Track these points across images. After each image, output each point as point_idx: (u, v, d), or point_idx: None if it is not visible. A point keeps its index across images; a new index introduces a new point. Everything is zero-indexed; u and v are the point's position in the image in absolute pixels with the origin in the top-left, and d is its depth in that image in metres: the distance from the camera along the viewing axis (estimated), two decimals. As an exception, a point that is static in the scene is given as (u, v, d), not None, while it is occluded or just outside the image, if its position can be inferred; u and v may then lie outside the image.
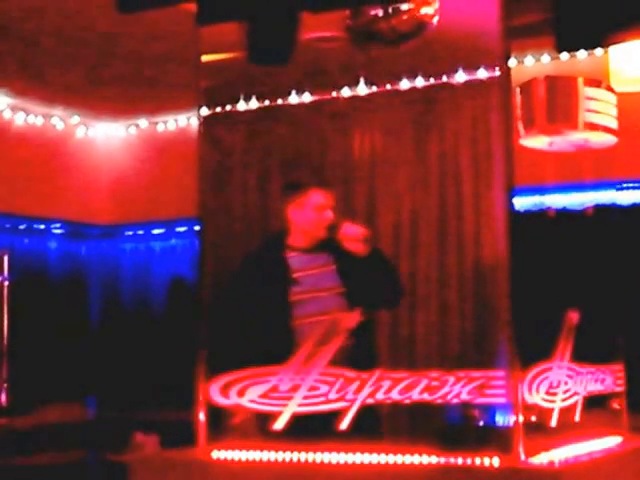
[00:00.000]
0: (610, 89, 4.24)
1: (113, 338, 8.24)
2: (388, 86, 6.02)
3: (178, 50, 5.96)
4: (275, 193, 5.92)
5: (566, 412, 3.84)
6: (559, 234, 5.58)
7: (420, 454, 3.20)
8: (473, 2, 3.80)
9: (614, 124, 4.22)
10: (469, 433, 3.40)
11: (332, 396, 3.41)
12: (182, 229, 8.13)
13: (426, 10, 3.96)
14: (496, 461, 3.10)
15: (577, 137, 4.25)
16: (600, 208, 6.04)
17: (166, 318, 8.09)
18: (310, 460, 3.33)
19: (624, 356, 4.20)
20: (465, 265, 6.08)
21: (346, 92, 5.97)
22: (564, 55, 6.00)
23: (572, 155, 4.50)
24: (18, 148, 7.65)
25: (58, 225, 8.13)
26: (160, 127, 8.17)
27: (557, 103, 4.14)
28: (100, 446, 6.95)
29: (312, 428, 3.38)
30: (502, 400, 3.22)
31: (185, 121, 7.99)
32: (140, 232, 8.36)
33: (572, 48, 3.62)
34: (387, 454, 3.23)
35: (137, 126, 8.28)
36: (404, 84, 6.01)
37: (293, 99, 6.02)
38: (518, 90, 4.16)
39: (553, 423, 3.75)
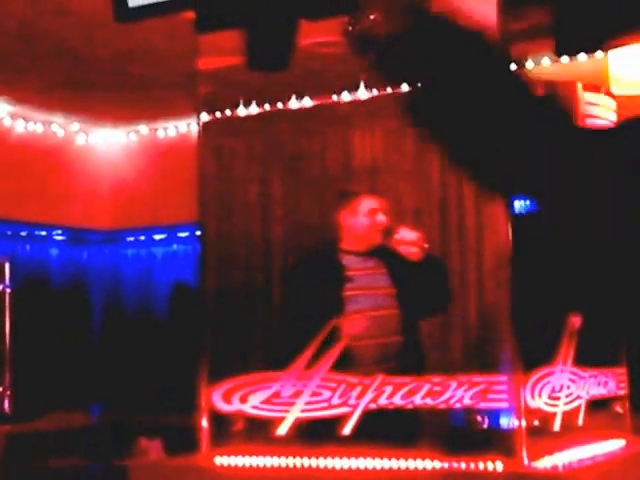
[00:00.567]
0: (609, 94, 4.25)
1: (116, 344, 8.24)
2: (389, 90, 6.02)
3: (177, 55, 5.96)
4: (276, 197, 5.93)
5: (569, 416, 3.84)
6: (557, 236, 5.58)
7: (423, 459, 3.20)
8: (472, 6, 3.79)
9: (613, 129, 4.22)
10: (472, 438, 3.40)
11: (335, 401, 3.41)
12: (183, 234, 8.13)
13: (425, 15, 3.95)
14: (500, 465, 3.10)
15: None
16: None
17: (168, 323, 8.09)
18: (314, 465, 3.33)
19: (627, 359, 4.19)
20: (467, 268, 6.08)
21: (346, 96, 5.97)
22: (564, 59, 6.00)
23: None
24: (19, 155, 7.66)
25: (59, 231, 8.13)
26: (160, 133, 8.18)
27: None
28: (104, 452, 6.95)
29: (318, 433, 3.39)
30: (505, 404, 3.23)
31: (185, 127, 8.00)
32: (141, 238, 8.36)
33: (572, 52, 3.63)
34: (390, 459, 3.24)
35: (137, 132, 8.29)
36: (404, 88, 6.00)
37: (293, 104, 6.03)
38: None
39: (556, 427, 3.75)
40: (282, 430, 3.44)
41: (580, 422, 3.89)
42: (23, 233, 7.86)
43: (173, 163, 7.90)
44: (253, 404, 3.49)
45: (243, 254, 5.87)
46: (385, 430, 3.42)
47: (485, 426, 3.41)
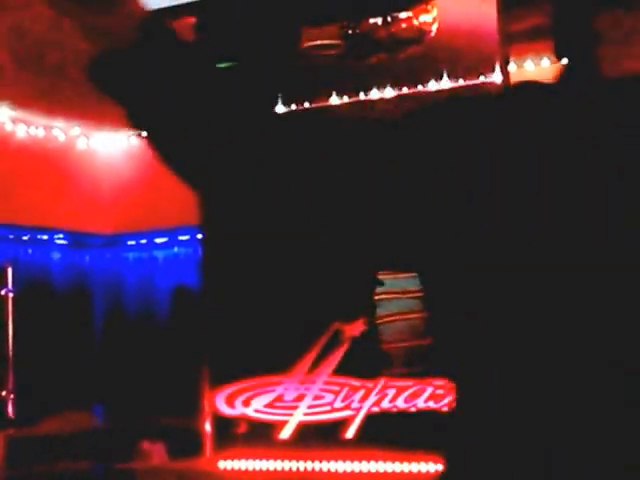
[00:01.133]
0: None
1: (118, 347, 8.25)
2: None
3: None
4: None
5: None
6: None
7: (427, 462, 3.21)
8: (472, 9, 3.81)
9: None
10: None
11: (338, 405, 3.41)
12: (185, 237, 8.13)
13: (425, 18, 3.97)
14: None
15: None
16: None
17: (170, 326, 8.09)
18: (317, 469, 3.34)
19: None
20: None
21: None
22: (564, 60, 6.00)
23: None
24: (20, 160, 7.66)
25: (61, 235, 8.13)
26: (161, 136, 8.17)
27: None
28: (107, 455, 6.96)
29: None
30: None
31: (186, 130, 7.99)
32: (143, 241, 8.36)
33: (572, 53, 3.62)
34: (393, 462, 3.24)
35: (139, 136, 8.29)
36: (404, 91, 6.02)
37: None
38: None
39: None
40: (285, 434, 3.44)
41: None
42: (25, 237, 7.86)
43: (174, 166, 7.89)
44: (256, 408, 3.50)
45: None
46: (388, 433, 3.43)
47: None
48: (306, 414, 3.43)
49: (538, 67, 6.38)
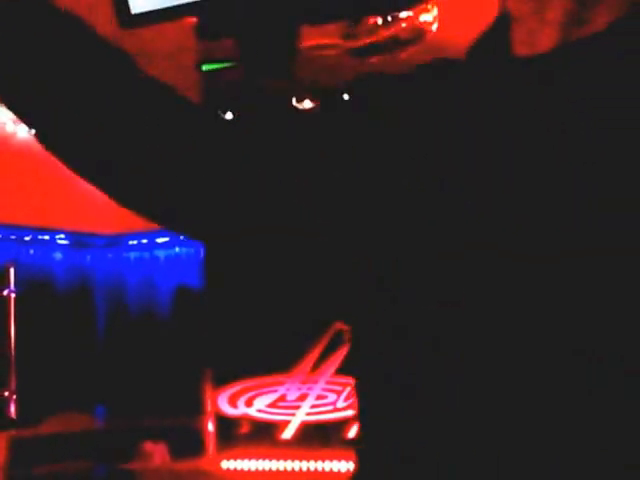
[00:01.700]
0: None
1: (120, 347, 8.25)
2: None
3: (178, 55, 5.97)
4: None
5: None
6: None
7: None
8: (472, 8, 3.80)
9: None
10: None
11: (340, 404, 3.42)
12: (186, 237, 8.13)
13: (425, 17, 3.97)
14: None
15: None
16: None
17: (172, 326, 8.10)
18: (320, 469, 3.34)
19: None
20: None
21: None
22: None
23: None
24: (21, 160, 7.66)
25: (63, 236, 8.14)
26: (162, 136, 8.18)
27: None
28: (109, 455, 6.96)
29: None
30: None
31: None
32: (144, 241, 8.36)
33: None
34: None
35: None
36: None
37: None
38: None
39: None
40: (288, 434, 3.45)
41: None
42: (26, 237, 7.87)
43: (175, 166, 7.90)
44: (258, 408, 3.50)
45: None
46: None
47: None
48: (309, 414, 3.43)
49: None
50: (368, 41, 3.99)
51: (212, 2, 3.00)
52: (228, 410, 3.55)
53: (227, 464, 3.54)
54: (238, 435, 3.72)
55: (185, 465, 3.79)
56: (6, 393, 7.24)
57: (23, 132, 7.68)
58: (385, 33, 3.95)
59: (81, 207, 8.10)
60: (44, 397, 7.44)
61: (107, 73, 1.07)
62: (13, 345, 7.34)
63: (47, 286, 7.95)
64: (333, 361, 3.50)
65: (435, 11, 3.97)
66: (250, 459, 3.50)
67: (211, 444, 3.65)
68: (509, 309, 0.93)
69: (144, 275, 8.35)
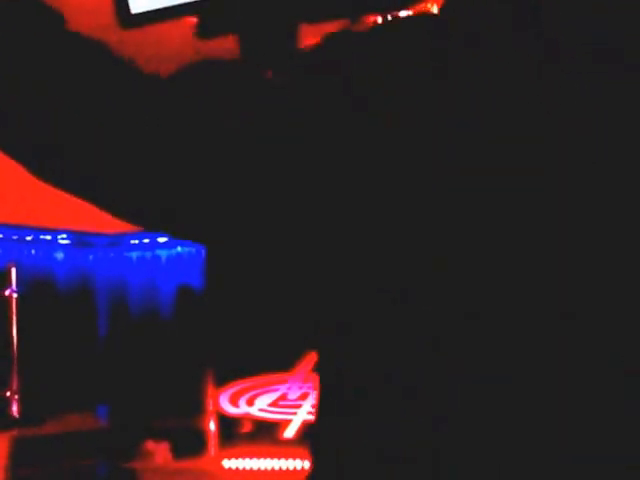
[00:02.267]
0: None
1: (122, 346, 8.26)
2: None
3: (178, 52, 5.98)
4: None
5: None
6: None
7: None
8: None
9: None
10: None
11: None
12: (188, 236, 8.13)
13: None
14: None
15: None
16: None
17: (174, 325, 8.10)
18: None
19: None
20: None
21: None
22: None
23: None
24: (23, 160, 7.67)
25: (64, 235, 8.15)
26: (163, 135, 8.18)
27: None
28: (111, 455, 6.97)
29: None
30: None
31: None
32: (146, 240, 8.37)
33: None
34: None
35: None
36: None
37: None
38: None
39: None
40: (289, 433, 3.45)
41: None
42: (28, 237, 7.88)
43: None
44: (260, 407, 3.51)
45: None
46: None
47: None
48: (310, 413, 3.43)
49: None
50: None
51: (212, 2, 3.01)
52: (230, 409, 3.55)
53: (229, 463, 3.54)
54: (240, 434, 3.72)
55: (187, 464, 3.79)
56: (8, 393, 7.25)
57: (24, 132, 7.68)
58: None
59: (82, 207, 8.08)
60: (46, 397, 7.45)
61: (96, 72, 1.04)
62: (15, 345, 7.35)
63: (49, 286, 7.96)
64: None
65: (435, 10, 3.96)
66: (252, 458, 3.50)
67: (213, 443, 3.65)
68: (509, 309, 0.93)
69: (146, 274, 8.36)
